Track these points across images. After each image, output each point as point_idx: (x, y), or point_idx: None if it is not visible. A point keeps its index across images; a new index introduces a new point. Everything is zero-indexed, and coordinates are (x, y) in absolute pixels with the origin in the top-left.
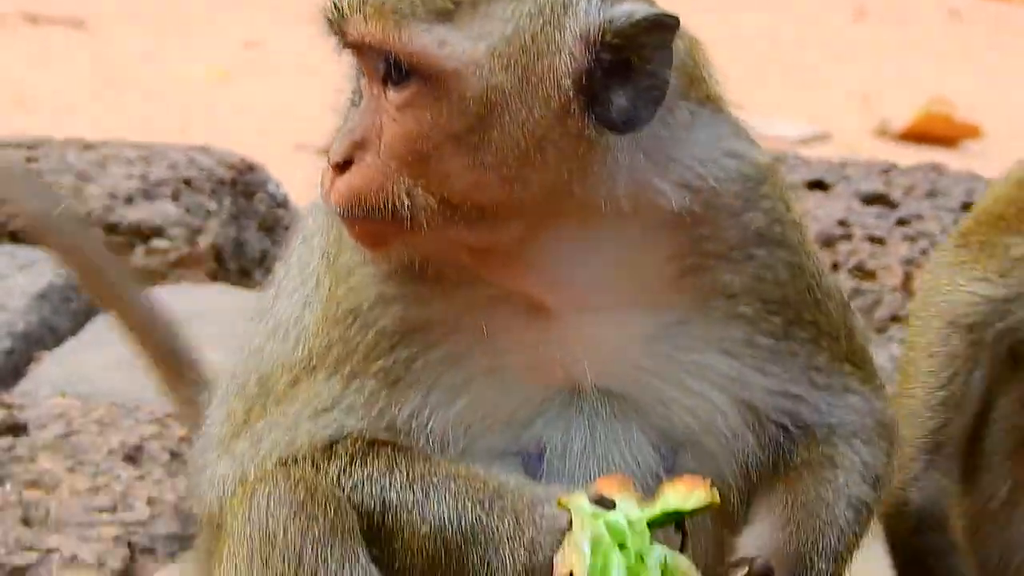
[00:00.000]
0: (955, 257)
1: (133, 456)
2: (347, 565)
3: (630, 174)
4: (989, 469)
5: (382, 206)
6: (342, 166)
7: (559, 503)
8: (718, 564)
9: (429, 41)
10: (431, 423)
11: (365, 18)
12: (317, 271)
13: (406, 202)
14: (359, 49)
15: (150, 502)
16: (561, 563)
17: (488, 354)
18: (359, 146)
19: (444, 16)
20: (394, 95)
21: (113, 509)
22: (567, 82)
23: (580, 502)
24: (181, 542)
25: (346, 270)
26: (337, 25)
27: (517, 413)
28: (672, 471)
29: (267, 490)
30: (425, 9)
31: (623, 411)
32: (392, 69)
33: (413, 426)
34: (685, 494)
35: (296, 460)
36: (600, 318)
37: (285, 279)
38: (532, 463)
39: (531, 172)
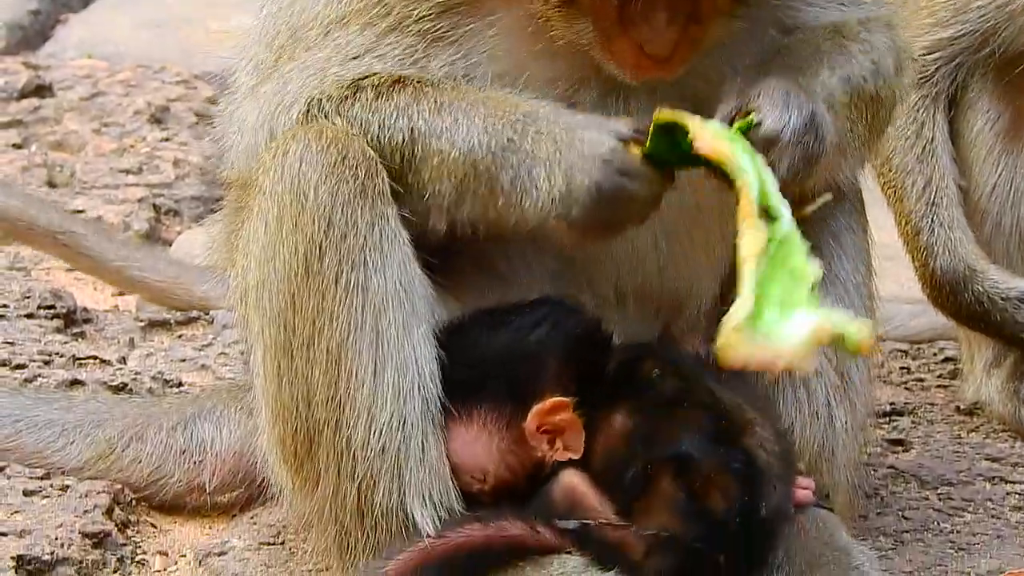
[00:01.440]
0: None
1: (159, 117)
2: (377, 226)
3: None
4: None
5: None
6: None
7: (663, 118)
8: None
9: None
10: (465, 78)
11: None
12: None
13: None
14: None
15: (176, 163)
16: (745, 191)
17: (541, 38)
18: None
19: None
20: None
21: (139, 170)
22: None
23: (695, 120)
24: (206, 204)
25: None
26: None
27: (556, 82)
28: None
29: (299, 150)
30: None
31: (662, 94)
32: None
33: (443, 76)
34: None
35: (321, 104)
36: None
37: None
38: None
39: None
